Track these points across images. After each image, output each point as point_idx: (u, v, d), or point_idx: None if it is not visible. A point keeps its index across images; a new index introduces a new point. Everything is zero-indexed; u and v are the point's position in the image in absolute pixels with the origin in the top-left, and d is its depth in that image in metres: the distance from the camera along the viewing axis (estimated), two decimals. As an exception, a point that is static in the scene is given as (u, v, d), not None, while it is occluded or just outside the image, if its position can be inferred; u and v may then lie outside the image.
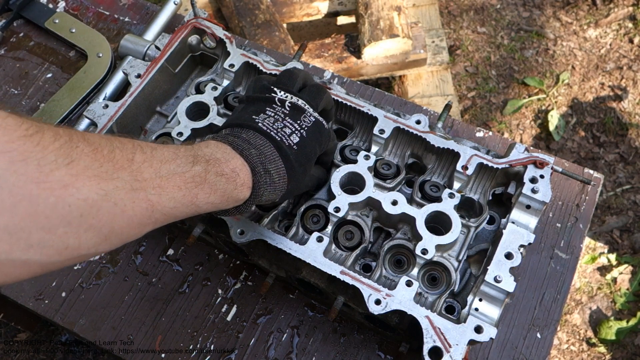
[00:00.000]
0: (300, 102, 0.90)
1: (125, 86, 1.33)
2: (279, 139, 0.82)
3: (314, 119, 0.89)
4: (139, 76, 1.13)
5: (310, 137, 0.87)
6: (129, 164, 0.60)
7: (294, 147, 0.84)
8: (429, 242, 0.94)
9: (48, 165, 0.50)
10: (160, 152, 0.67)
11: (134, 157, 0.62)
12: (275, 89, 0.91)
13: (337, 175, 1.01)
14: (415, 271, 0.95)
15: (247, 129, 0.83)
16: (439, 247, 0.95)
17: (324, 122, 0.91)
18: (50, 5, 1.50)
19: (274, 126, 0.84)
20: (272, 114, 0.86)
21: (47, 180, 0.50)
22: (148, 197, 0.61)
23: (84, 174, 0.54)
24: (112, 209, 0.57)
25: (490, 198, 1.05)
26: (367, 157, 1.02)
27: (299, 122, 0.87)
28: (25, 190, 0.48)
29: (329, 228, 0.99)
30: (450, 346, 0.84)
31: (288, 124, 0.85)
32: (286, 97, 0.90)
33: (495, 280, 0.89)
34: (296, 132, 0.85)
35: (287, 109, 0.87)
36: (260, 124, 0.83)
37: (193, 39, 1.20)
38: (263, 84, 0.92)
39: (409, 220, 0.98)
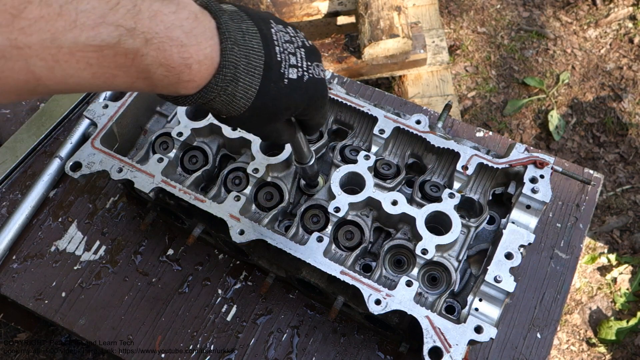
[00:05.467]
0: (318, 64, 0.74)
1: (125, 86, 1.33)
2: (275, 57, 0.65)
3: (321, 76, 0.73)
4: (139, 76, 1.13)
5: (306, 85, 0.69)
6: (9, 21, 0.46)
7: (284, 80, 0.66)
8: (429, 242, 0.94)
9: None
10: (77, 5, 0.49)
11: (23, 13, 0.46)
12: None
13: (337, 175, 1.01)
14: (415, 271, 0.95)
15: (254, 22, 0.65)
16: (439, 247, 0.95)
17: (327, 86, 0.76)
18: (50, 5, 1.50)
19: (283, 44, 0.67)
20: (292, 34, 0.69)
21: None
22: (30, 69, 0.48)
23: None
24: None
25: (490, 198, 1.05)
26: (367, 157, 1.02)
27: (309, 63, 0.70)
28: None
29: (329, 228, 0.99)
30: (450, 346, 0.84)
31: (299, 55, 0.68)
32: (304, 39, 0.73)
33: (495, 280, 0.89)
34: (299, 68, 0.68)
35: (306, 46, 0.71)
36: (272, 30, 0.66)
37: (193, 39, 1.20)
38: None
39: (409, 220, 0.98)
